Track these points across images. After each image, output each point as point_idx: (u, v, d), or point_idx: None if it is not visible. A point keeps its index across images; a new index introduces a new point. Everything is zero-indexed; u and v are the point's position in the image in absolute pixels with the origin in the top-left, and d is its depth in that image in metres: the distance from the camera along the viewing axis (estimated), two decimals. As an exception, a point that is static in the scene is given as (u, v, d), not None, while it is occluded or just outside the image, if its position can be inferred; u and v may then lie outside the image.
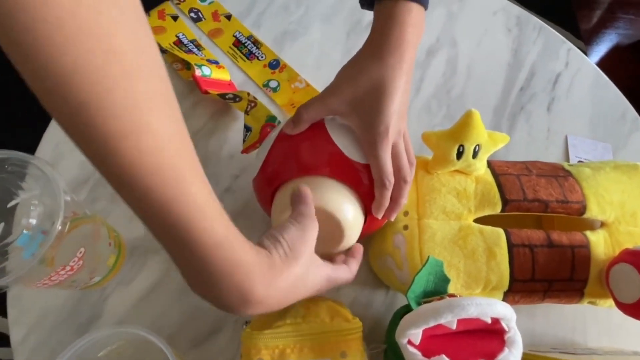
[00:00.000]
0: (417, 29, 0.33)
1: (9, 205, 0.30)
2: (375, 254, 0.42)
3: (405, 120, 0.34)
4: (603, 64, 1.47)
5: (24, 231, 0.28)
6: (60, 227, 0.27)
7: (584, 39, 1.50)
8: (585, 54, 1.46)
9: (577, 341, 0.44)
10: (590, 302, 0.40)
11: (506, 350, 0.28)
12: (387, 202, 0.34)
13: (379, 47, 0.32)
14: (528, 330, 0.43)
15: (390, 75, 0.31)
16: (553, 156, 0.53)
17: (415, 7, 0.32)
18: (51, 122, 0.48)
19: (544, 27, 0.62)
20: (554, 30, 0.62)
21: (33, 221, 0.28)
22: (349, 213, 0.33)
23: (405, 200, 0.35)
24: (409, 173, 0.34)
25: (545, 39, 0.61)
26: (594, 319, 0.44)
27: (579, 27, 1.49)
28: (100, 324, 0.41)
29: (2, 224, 0.29)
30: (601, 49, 1.52)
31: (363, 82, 0.32)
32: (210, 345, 0.41)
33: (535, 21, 0.62)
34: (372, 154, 0.33)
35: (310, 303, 0.34)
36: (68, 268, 0.31)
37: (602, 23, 1.56)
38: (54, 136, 0.48)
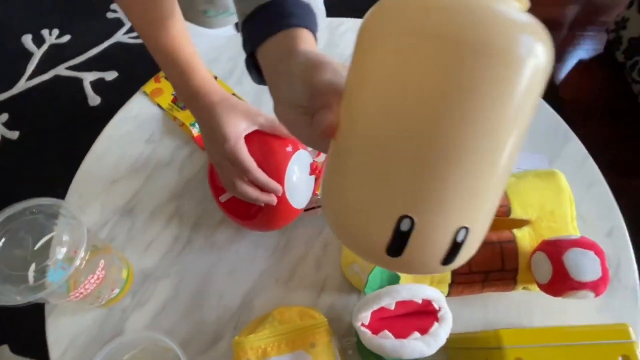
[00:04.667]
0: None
1: (45, 239, 0.39)
2: (346, 263, 0.50)
3: None
4: (570, 78, 1.58)
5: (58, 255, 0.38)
6: (83, 254, 0.37)
7: (550, 58, 1.62)
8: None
9: (524, 324, 0.51)
10: (524, 288, 0.48)
11: (436, 324, 0.36)
12: None
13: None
14: (481, 318, 0.51)
15: None
16: (497, 170, 0.62)
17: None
18: (75, 176, 0.59)
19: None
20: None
21: (63, 249, 0.38)
22: None
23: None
24: None
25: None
26: (537, 304, 0.52)
27: (541, 48, 1.62)
28: (122, 341, 0.49)
29: (32, 269, 0.38)
30: (568, 65, 1.64)
31: None
32: (214, 351, 0.49)
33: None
34: None
35: (284, 310, 0.43)
36: (95, 277, 0.40)
37: (566, 41, 1.69)
38: (79, 187, 0.58)
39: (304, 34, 0.30)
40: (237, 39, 0.74)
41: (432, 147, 0.18)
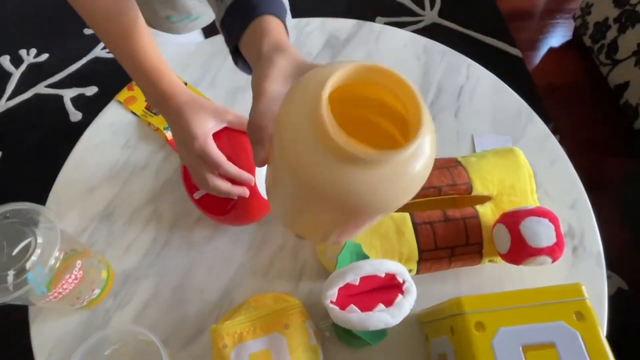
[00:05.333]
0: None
1: (23, 243, 0.41)
2: (321, 250, 0.52)
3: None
4: (542, 65, 1.63)
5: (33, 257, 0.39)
6: (57, 254, 0.38)
7: (522, 47, 1.66)
8: (523, 60, 1.62)
9: (495, 297, 0.53)
10: (490, 261, 0.50)
11: (400, 296, 0.38)
12: None
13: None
14: (455, 293, 0.52)
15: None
16: (463, 153, 0.64)
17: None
18: (53, 185, 0.60)
19: (447, 50, 0.75)
20: (455, 52, 0.75)
21: (38, 251, 0.39)
22: None
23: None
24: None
25: (449, 60, 0.74)
26: (508, 277, 0.54)
27: (512, 37, 1.66)
28: (107, 341, 0.50)
29: (12, 270, 0.40)
30: (540, 53, 1.68)
31: None
32: (196, 344, 0.50)
33: (439, 47, 0.76)
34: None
35: (259, 297, 0.44)
36: (73, 277, 0.41)
37: (536, 30, 1.73)
38: (57, 195, 0.59)
39: (270, 22, 0.34)
40: (206, 45, 0.76)
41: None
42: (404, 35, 0.77)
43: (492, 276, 0.54)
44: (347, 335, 0.44)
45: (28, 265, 0.38)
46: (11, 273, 0.39)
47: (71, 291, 0.43)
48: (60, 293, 0.42)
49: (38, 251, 0.39)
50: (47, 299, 0.42)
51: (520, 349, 0.36)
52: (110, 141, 0.65)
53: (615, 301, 1.10)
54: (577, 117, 1.48)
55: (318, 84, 0.20)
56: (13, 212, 0.40)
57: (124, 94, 0.70)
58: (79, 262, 0.43)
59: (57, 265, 0.39)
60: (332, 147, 0.19)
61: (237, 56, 0.37)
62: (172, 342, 0.50)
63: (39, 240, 0.39)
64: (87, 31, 1.60)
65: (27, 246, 0.39)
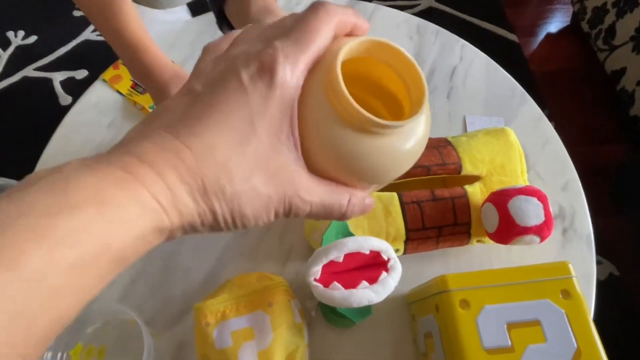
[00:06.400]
0: None
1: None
2: (309, 232, 0.51)
3: None
4: (539, 51, 1.61)
5: None
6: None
7: (520, 33, 1.64)
8: (520, 45, 1.60)
9: (483, 278, 0.53)
10: (478, 241, 0.49)
11: (385, 273, 0.37)
12: None
13: None
14: (443, 274, 0.52)
15: None
16: (455, 135, 0.63)
17: None
18: (38, 162, 0.59)
19: (440, 30, 0.74)
20: (448, 32, 0.74)
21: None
22: None
23: None
24: None
25: (442, 40, 0.72)
26: (497, 258, 0.53)
27: (510, 22, 1.64)
28: (91, 321, 0.50)
29: None
30: (537, 39, 1.66)
31: None
32: (181, 325, 0.49)
33: (432, 27, 0.74)
34: None
35: (244, 276, 0.43)
36: None
37: (534, 16, 1.71)
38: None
39: None
40: (194, 23, 0.74)
41: None
42: (398, 15, 0.75)
43: (480, 257, 0.53)
44: (332, 315, 0.43)
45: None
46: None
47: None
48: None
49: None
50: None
51: (505, 326, 0.35)
52: (96, 120, 0.63)
53: (607, 286, 1.11)
54: (573, 104, 1.47)
55: (329, 55, 0.20)
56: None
57: (109, 73, 0.68)
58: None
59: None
60: (346, 113, 0.19)
61: (222, 20, 0.36)
62: (157, 321, 0.49)
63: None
64: (77, 13, 1.56)
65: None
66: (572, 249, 0.55)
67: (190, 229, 0.18)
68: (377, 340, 0.48)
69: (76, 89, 1.41)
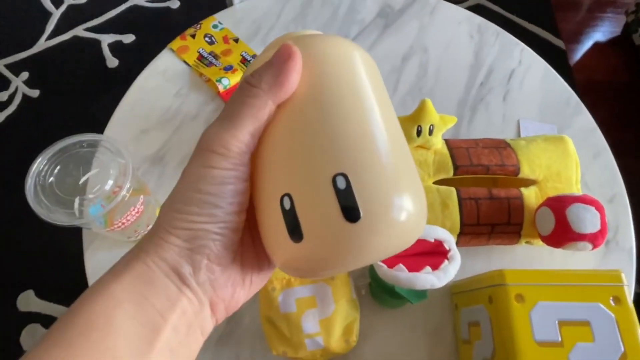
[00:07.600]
0: None
1: (92, 172, 0.43)
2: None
3: None
4: (585, 60, 1.58)
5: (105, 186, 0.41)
6: (129, 185, 0.41)
7: (566, 39, 1.61)
8: (565, 52, 1.57)
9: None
10: (527, 242, 0.51)
11: (446, 262, 0.40)
12: None
13: None
14: (486, 269, 0.54)
15: None
16: (508, 137, 0.65)
17: None
18: (108, 124, 0.62)
19: (501, 32, 0.74)
20: (509, 35, 0.74)
21: (109, 183, 0.41)
22: None
23: None
24: None
25: (502, 42, 0.73)
26: (540, 259, 0.55)
27: (557, 27, 1.61)
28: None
29: (77, 198, 0.42)
30: (584, 47, 1.63)
31: None
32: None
33: (494, 28, 0.75)
34: None
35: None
36: (135, 210, 0.44)
37: (583, 23, 1.67)
38: (112, 133, 0.61)
39: None
40: (261, 2, 0.76)
41: None
42: (460, 12, 0.76)
43: (523, 257, 0.56)
44: (385, 295, 0.46)
45: (93, 197, 0.41)
46: (77, 201, 0.42)
47: (132, 223, 0.46)
48: (123, 224, 0.45)
49: (110, 183, 0.41)
50: (109, 229, 0.44)
51: (557, 322, 0.38)
52: (163, 87, 0.66)
53: None
54: (614, 117, 1.45)
55: None
56: (89, 142, 0.42)
57: (176, 43, 0.71)
58: (141, 197, 0.46)
59: (127, 197, 0.41)
60: None
61: None
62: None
63: (111, 172, 0.42)
64: (128, -23, 1.59)
65: (96, 176, 0.42)
66: (613, 260, 0.56)
67: None
68: (416, 324, 0.50)
69: (123, 52, 1.44)
